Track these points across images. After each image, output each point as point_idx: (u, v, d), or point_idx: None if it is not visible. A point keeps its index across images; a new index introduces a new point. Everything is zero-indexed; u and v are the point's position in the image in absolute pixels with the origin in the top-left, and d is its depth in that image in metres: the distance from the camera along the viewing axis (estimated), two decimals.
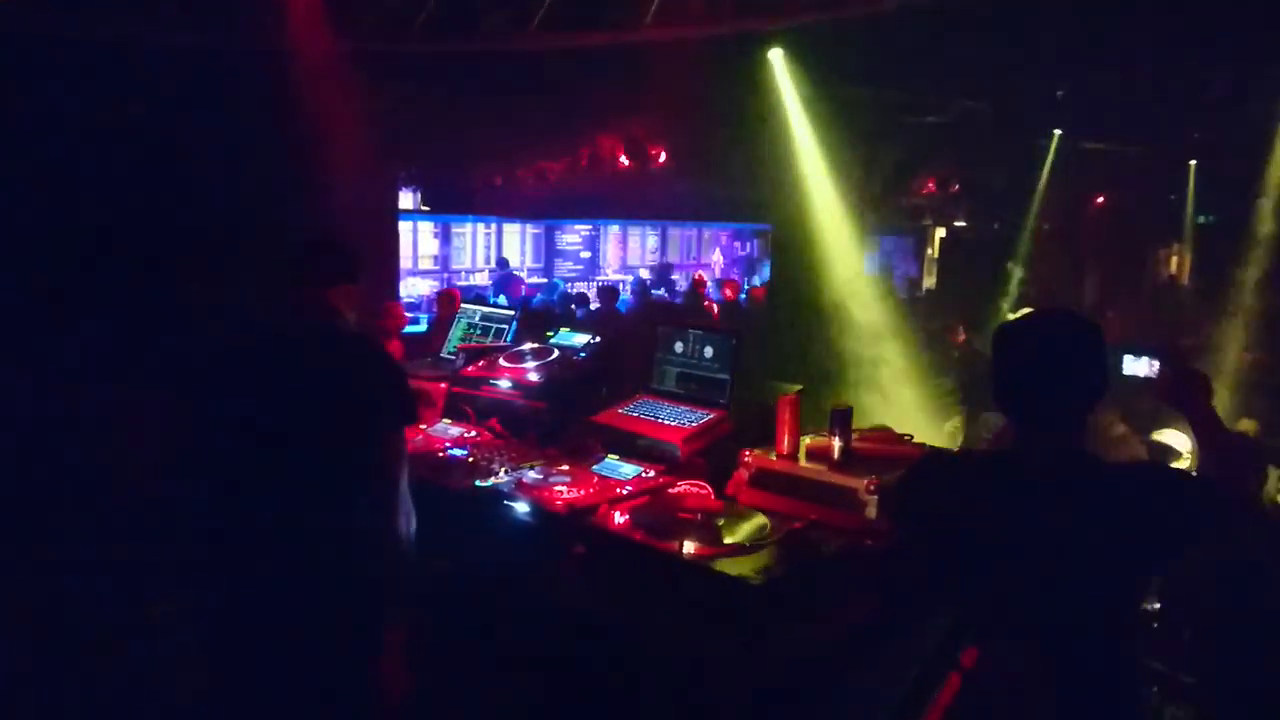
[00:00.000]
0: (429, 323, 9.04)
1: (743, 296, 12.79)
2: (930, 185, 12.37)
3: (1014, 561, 1.93)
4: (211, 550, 2.42)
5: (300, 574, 2.31)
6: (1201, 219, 14.17)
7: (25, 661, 3.20)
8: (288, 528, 2.31)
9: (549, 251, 13.31)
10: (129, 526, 3.55)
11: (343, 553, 2.31)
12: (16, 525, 3.77)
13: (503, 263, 12.37)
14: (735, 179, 10.57)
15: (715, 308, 11.19)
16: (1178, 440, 4.11)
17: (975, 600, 2.06)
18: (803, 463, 2.77)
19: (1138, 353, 2.13)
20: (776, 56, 7.97)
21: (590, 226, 13.65)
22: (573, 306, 10.46)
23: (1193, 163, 12.55)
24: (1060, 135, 11.01)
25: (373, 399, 2.39)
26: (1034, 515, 1.90)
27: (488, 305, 5.03)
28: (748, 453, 2.84)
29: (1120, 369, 2.15)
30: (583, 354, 3.64)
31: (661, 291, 12.89)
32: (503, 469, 2.97)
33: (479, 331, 4.17)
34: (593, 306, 10.71)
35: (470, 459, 3.11)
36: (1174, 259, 15.58)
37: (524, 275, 12.38)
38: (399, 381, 2.49)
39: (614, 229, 14.06)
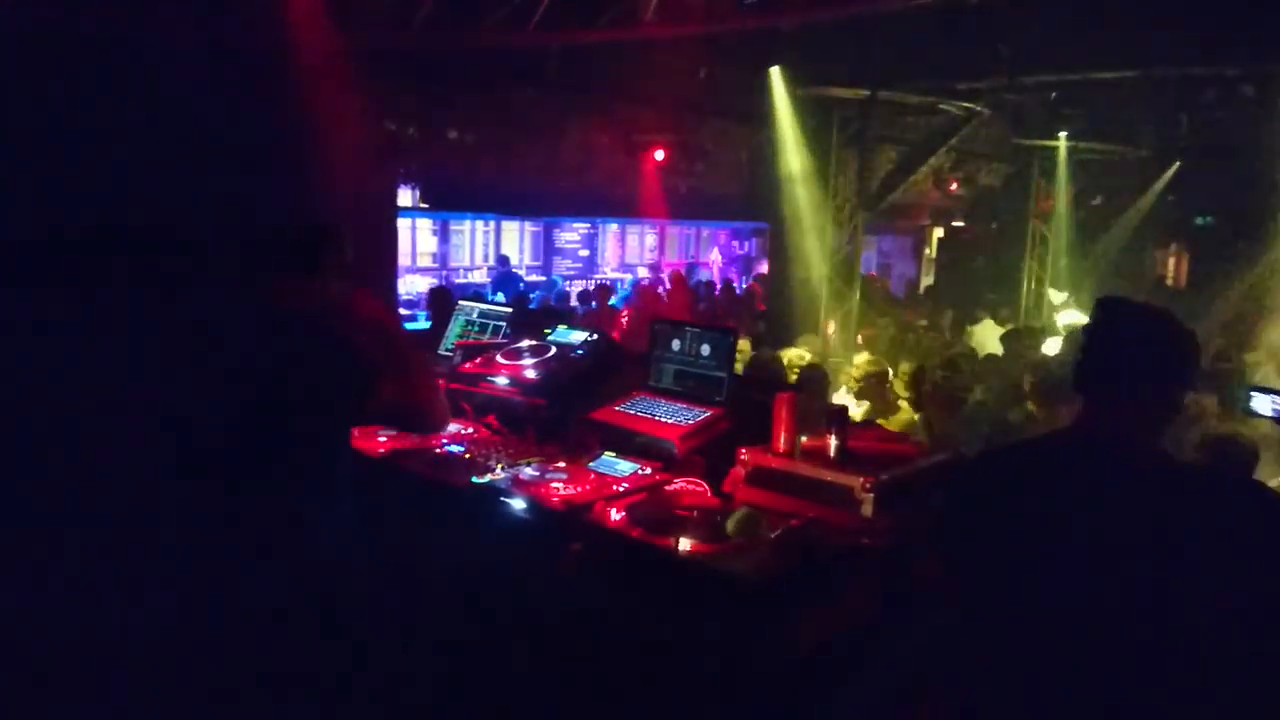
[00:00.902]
0: (428, 320, 9.06)
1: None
2: (930, 185, 12.37)
3: (1055, 563, 1.79)
4: (187, 543, 2.41)
5: (269, 570, 2.32)
6: (1200, 220, 14.17)
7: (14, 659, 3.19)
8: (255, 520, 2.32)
9: (548, 249, 13.30)
10: (115, 520, 3.54)
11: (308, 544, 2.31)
12: (13, 523, 3.76)
13: (502, 260, 12.37)
14: (734, 178, 10.57)
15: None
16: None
17: (997, 605, 1.91)
18: (799, 461, 2.78)
19: (1265, 391, 2.16)
20: (776, 72, 8.01)
21: (589, 225, 13.65)
22: (573, 304, 10.49)
23: (1177, 163, 12.59)
24: (1065, 137, 11.03)
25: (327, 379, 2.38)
26: (1086, 513, 1.78)
27: (486, 302, 5.03)
28: (745, 450, 2.85)
29: (1248, 404, 2.18)
30: (580, 351, 3.64)
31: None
32: (500, 466, 2.97)
33: (477, 329, 4.17)
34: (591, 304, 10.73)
35: (467, 455, 3.11)
36: (1171, 260, 15.59)
37: (523, 273, 12.39)
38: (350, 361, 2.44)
39: (613, 227, 14.05)
